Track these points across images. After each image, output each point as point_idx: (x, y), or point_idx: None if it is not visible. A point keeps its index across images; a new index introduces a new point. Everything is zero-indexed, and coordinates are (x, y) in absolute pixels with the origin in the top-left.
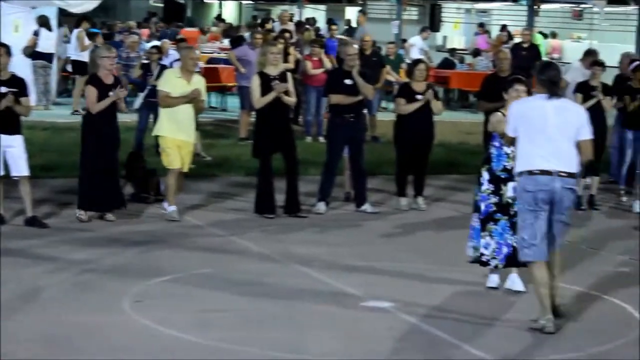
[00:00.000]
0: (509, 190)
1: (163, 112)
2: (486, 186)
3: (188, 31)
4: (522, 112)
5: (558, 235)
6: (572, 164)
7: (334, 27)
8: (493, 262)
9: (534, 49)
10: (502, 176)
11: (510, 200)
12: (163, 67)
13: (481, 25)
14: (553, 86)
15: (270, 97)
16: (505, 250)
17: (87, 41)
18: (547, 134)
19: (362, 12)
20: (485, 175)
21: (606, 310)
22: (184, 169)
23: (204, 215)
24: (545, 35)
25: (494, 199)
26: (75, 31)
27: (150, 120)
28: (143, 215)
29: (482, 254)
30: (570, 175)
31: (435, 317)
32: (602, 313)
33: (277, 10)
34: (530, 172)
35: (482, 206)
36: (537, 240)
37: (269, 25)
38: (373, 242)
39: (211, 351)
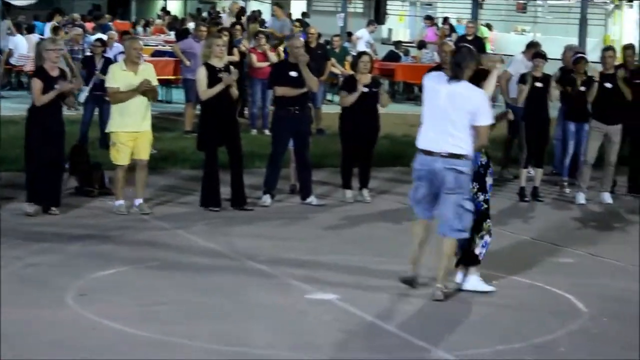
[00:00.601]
0: (489, 187)
1: (114, 108)
2: (470, 185)
3: (119, 23)
4: (425, 91)
5: (449, 214)
6: (457, 146)
7: (296, 24)
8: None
9: (478, 41)
10: (482, 172)
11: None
12: (107, 60)
13: (429, 17)
14: (455, 69)
15: (217, 88)
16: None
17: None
18: (435, 116)
19: (279, 5)
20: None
21: (550, 301)
22: (144, 157)
23: (149, 209)
24: (490, 28)
25: (482, 197)
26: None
27: (95, 114)
28: (87, 208)
29: (479, 254)
30: (454, 156)
31: (379, 308)
32: (546, 303)
33: (222, 3)
34: (419, 150)
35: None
36: (413, 203)
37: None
38: (318, 235)
39: (155, 344)
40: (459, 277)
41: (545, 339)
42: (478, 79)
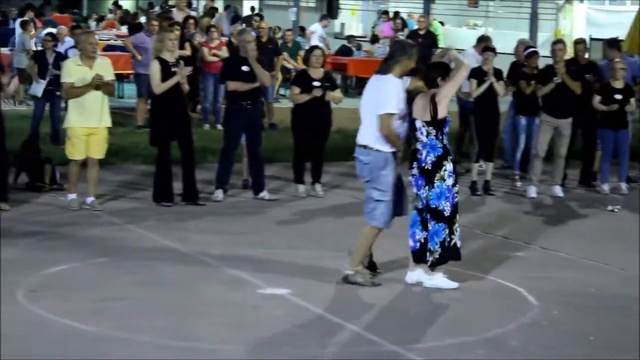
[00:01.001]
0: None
1: (70, 103)
2: (452, 179)
3: (58, 17)
4: None
5: (365, 202)
6: (362, 137)
7: (255, 20)
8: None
9: (431, 36)
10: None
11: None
12: (59, 55)
13: (385, 12)
14: (382, 63)
15: (171, 82)
16: (411, 243)
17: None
18: (361, 109)
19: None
20: (451, 167)
21: (501, 294)
22: (97, 156)
23: (101, 204)
24: (442, 23)
25: (456, 189)
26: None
27: (46, 109)
28: (38, 204)
29: (460, 246)
30: (360, 146)
31: (332, 303)
32: (497, 296)
33: None
34: None
35: (451, 199)
36: None
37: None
38: (271, 230)
39: (106, 340)
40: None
41: (496, 332)
42: (441, 73)
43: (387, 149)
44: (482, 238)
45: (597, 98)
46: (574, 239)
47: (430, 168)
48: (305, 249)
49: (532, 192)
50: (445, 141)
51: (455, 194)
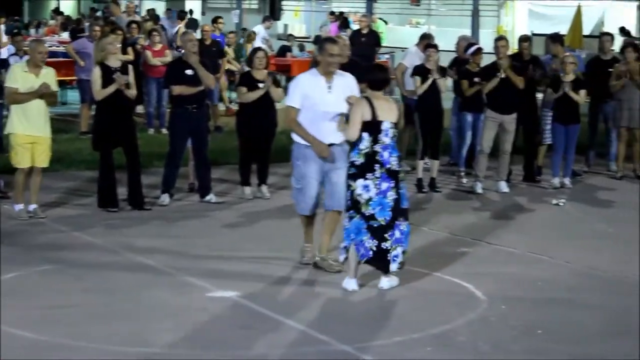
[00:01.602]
0: (358, 187)
1: (13, 109)
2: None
3: None
4: None
5: None
6: None
7: (220, 21)
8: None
9: (374, 35)
10: (351, 172)
11: (359, 199)
12: (1, 61)
13: (332, 13)
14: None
15: (111, 89)
16: (362, 251)
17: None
18: None
19: (115, 2)
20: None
21: (449, 290)
22: (42, 165)
23: (46, 211)
24: (385, 22)
25: (348, 194)
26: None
27: None
28: None
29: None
30: None
31: (281, 305)
32: (444, 293)
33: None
34: None
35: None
36: None
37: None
38: (218, 232)
39: (55, 348)
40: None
41: (444, 328)
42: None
43: (300, 141)
44: (429, 235)
45: (549, 90)
46: (520, 234)
47: (397, 169)
48: (252, 251)
49: (478, 188)
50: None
51: (349, 200)
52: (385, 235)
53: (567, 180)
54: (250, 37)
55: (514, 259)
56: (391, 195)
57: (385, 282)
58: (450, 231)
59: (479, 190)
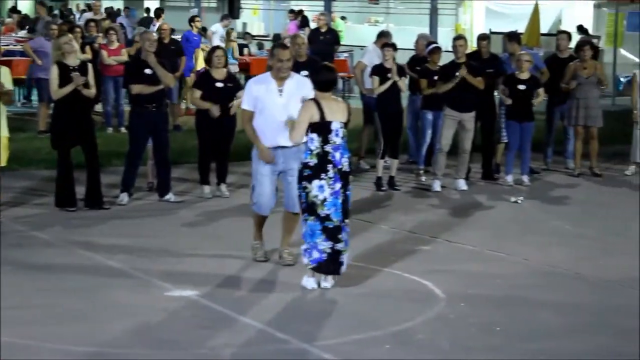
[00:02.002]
0: (313, 189)
1: None
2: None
3: None
4: None
5: None
6: None
7: (197, 20)
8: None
9: (332, 33)
10: (305, 173)
11: (315, 200)
12: None
13: (292, 11)
14: None
15: (69, 88)
16: (316, 254)
17: None
18: None
19: (42, 3)
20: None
21: (408, 288)
22: (1, 164)
23: (3, 211)
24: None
25: (303, 197)
26: None
27: None
28: None
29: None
30: None
31: (240, 303)
32: (404, 291)
33: (75, 2)
34: None
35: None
36: None
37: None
38: (177, 232)
39: (13, 348)
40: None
41: (403, 326)
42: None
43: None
44: (388, 233)
45: (501, 87)
46: (478, 231)
47: (348, 170)
48: (211, 250)
49: (437, 186)
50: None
51: (304, 202)
52: (339, 236)
53: (525, 178)
54: (229, 34)
55: (472, 256)
56: (341, 197)
57: (331, 280)
58: (409, 229)
59: (438, 188)
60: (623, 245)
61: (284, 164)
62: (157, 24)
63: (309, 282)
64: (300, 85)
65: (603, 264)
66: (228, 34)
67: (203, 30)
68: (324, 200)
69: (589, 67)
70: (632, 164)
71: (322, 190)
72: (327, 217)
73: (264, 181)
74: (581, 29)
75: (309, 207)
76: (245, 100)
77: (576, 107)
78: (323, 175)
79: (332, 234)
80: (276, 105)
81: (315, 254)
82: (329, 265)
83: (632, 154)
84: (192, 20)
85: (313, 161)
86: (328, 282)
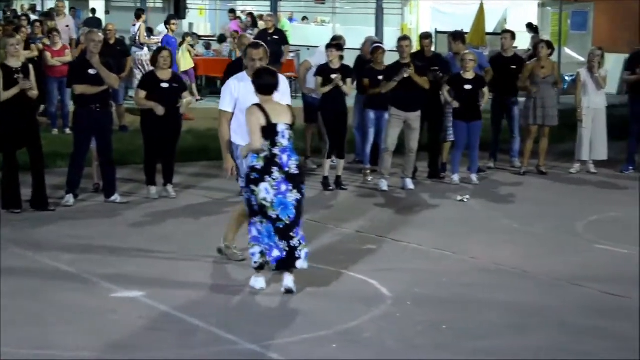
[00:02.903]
0: (261, 191)
1: None
2: (243, 184)
3: None
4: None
5: None
6: None
7: (173, 22)
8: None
9: (280, 34)
10: (253, 177)
11: (264, 203)
12: None
13: (232, 11)
14: None
15: (13, 91)
16: (276, 253)
17: None
18: None
19: None
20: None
21: (355, 287)
22: None
23: None
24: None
25: (253, 200)
26: None
27: None
28: None
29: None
30: None
31: (187, 304)
32: (351, 290)
33: (20, 3)
34: None
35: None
36: None
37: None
38: (123, 233)
39: None
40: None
41: (350, 325)
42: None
43: (236, 141)
44: (335, 233)
45: (446, 87)
46: (425, 230)
47: (296, 172)
48: (158, 251)
49: (383, 185)
50: None
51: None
52: (291, 233)
53: (473, 177)
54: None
55: (419, 255)
56: (291, 196)
57: (291, 281)
58: (356, 229)
59: (384, 188)
60: (569, 243)
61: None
62: (138, 24)
63: (258, 281)
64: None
65: (549, 262)
66: (184, 41)
67: (149, 31)
68: (272, 202)
69: (546, 67)
70: (577, 162)
71: (268, 192)
72: (278, 218)
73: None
74: (531, 26)
75: (261, 210)
76: (223, 101)
77: (534, 106)
78: (267, 178)
79: (284, 233)
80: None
81: (276, 253)
82: (287, 261)
83: (577, 152)
84: (167, 22)
85: (260, 164)
86: (291, 283)
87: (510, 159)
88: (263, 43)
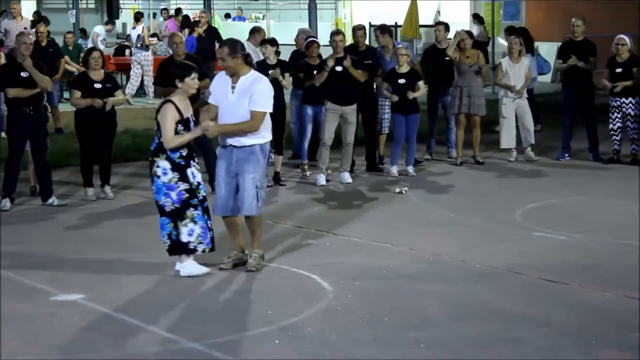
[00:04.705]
0: (190, 176)
1: None
2: (170, 175)
3: None
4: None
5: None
6: None
7: (109, 24)
8: (200, 247)
9: (213, 31)
10: (182, 163)
11: (196, 185)
12: None
13: (165, 9)
14: None
15: None
16: (210, 234)
17: None
18: None
19: None
20: (166, 164)
21: (295, 282)
22: None
23: None
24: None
25: (184, 186)
26: None
27: None
28: None
29: (187, 242)
30: None
31: (127, 305)
32: (291, 285)
33: None
34: None
35: (174, 195)
36: None
37: None
38: (61, 235)
39: None
40: (177, 265)
41: (292, 320)
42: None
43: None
44: (274, 228)
45: (384, 85)
46: (364, 223)
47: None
48: (97, 253)
49: (321, 180)
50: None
51: (182, 191)
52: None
53: (410, 169)
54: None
55: (359, 248)
56: (199, 175)
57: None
58: (296, 224)
59: (322, 182)
60: (507, 231)
61: (237, 164)
62: (139, 27)
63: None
64: (253, 84)
65: (487, 251)
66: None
67: (82, 32)
68: (199, 184)
69: (471, 56)
70: (512, 150)
71: (194, 176)
72: (205, 199)
73: (219, 181)
74: (477, 17)
75: (191, 194)
76: (211, 95)
77: (459, 95)
78: (192, 163)
79: (208, 210)
80: (227, 103)
81: (210, 234)
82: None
83: (501, 141)
84: (137, 20)
85: (185, 151)
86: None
87: (447, 150)
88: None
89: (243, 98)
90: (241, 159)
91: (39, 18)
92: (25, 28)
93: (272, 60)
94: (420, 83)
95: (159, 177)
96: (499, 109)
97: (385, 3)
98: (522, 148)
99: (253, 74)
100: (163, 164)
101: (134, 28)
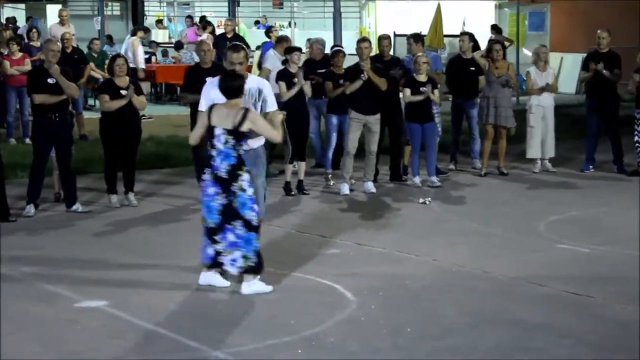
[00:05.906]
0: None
1: None
2: (251, 190)
3: None
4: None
5: None
6: None
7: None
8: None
9: (239, 39)
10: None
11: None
12: None
13: (189, 17)
14: None
15: None
16: (210, 251)
17: None
18: None
19: None
20: (249, 178)
21: (319, 292)
22: None
23: None
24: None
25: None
26: None
27: None
28: None
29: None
30: None
31: (150, 312)
32: (315, 295)
33: None
34: None
35: (256, 208)
36: None
37: None
38: (85, 242)
39: None
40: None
41: (314, 330)
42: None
43: None
44: (298, 237)
45: (407, 91)
46: (387, 233)
47: (225, 177)
48: (120, 260)
49: (345, 189)
50: (241, 152)
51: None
52: (216, 237)
53: (433, 178)
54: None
55: (382, 258)
56: (218, 200)
57: (245, 286)
58: (319, 233)
59: (346, 191)
60: (530, 243)
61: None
62: (204, 35)
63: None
64: (261, 86)
65: (510, 262)
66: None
67: (108, 38)
68: (201, 202)
69: (500, 67)
70: (537, 161)
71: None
72: (205, 220)
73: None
74: (495, 28)
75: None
76: (201, 102)
77: (487, 106)
78: (202, 178)
79: (209, 235)
80: None
81: (210, 251)
82: (214, 264)
83: (527, 151)
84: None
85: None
86: (244, 288)
87: (470, 160)
88: (244, 46)
89: (250, 100)
90: (249, 162)
91: None
92: (73, 35)
93: (296, 68)
94: (436, 92)
95: (244, 190)
96: (526, 118)
97: (410, 12)
98: (541, 158)
99: (254, 77)
100: (247, 177)
101: (199, 36)
